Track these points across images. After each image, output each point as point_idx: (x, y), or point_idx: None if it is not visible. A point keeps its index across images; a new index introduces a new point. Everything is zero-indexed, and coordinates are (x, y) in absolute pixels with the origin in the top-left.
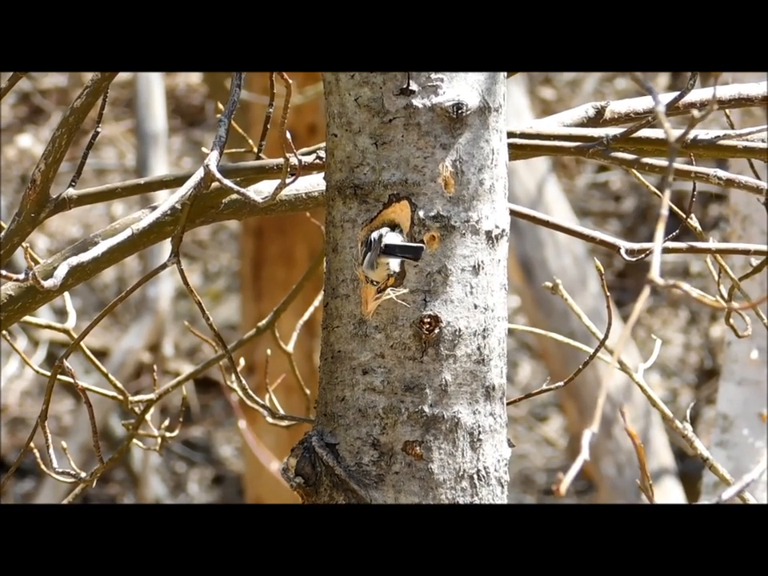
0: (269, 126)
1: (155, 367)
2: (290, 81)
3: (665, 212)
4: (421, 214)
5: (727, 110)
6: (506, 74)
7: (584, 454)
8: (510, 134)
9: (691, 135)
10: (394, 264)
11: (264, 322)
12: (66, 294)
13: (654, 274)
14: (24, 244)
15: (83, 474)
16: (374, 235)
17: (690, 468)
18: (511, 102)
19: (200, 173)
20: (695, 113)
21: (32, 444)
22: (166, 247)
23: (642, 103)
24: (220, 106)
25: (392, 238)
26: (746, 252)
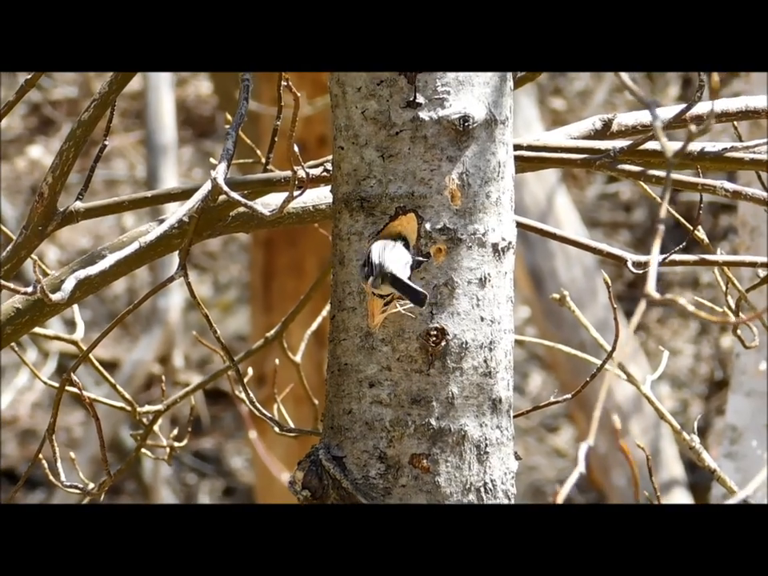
0: (276, 139)
1: (163, 378)
2: (299, 93)
3: (661, 227)
4: (427, 226)
5: (735, 122)
6: (512, 86)
7: (580, 467)
8: (517, 147)
9: (698, 147)
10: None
11: (272, 332)
12: (75, 306)
13: (651, 287)
14: (32, 257)
15: (91, 486)
16: (374, 250)
17: (700, 479)
18: (521, 112)
19: (207, 186)
20: (693, 128)
21: (42, 457)
22: (175, 258)
23: (649, 116)
24: (228, 117)
25: (398, 254)
26: (753, 264)
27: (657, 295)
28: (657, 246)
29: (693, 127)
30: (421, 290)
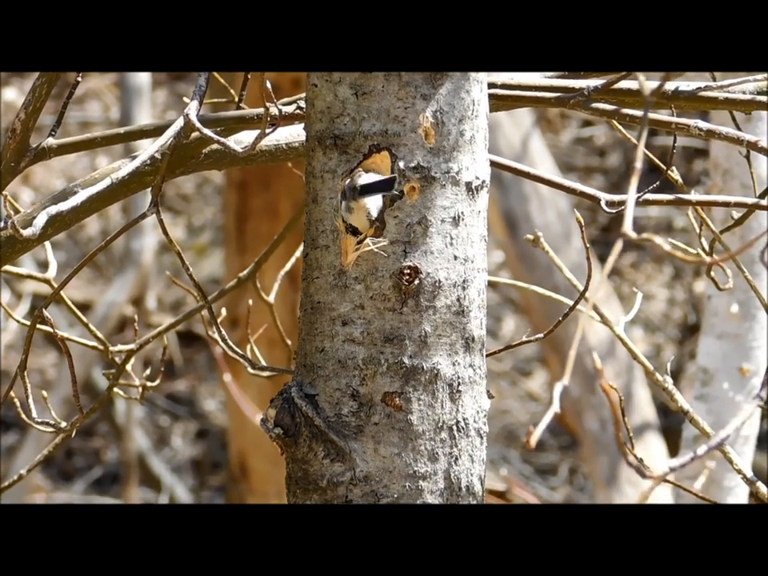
0: (249, 77)
1: (136, 318)
2: None
3: (639, 165)
4: (401, 164)
5: None
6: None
7: (554, 407)
8: (491, 85)
9: (672, 87)
10: (372, 207)
11: (245, 272)
12: (47, 244)
13: (627, 227)
14: (4, 193)
15: (64, 424)
16: (350, 183)
17: (672, 423)
18: None
19: (180, 122)
20: None
21: (14, 396)
22: (149, 201)
23: None
24: None
25: (368, 179)
26: (727, 204)
27: (633, 234)
28: (634, 183)
29: None
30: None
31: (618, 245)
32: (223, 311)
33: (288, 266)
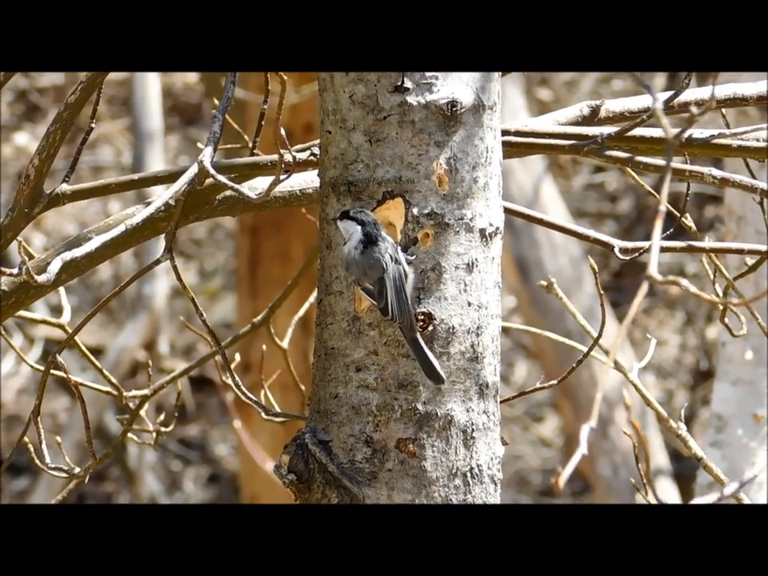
0: (263, 123)
1: (150, 363)
2: (285, 77)
3: (662, 208)
4: (415, 211)
5: (722, 110)
6: (500, 72)
7: (582, 449)
8: (505, 132)
9: (686, 134)
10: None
11: (259, 317)
12: (61, 290)
13: (653, 270)
14: (18, 239)
15: (77, 470)
16: (387, 282)
17: (685, 469)
18: (508, 102)
19: (194, 169)
20: (694, 109)
21: (28, 441)
22: (162, 246)
23: (636, 102)
24: (216, 101)
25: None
26: (741, 251)
27: (659, 277)
28: (658, 226)
29: (694, 109)
30: (440, 371)
31: (644, 288)
32: (237, 356)
33: (301, 312)
